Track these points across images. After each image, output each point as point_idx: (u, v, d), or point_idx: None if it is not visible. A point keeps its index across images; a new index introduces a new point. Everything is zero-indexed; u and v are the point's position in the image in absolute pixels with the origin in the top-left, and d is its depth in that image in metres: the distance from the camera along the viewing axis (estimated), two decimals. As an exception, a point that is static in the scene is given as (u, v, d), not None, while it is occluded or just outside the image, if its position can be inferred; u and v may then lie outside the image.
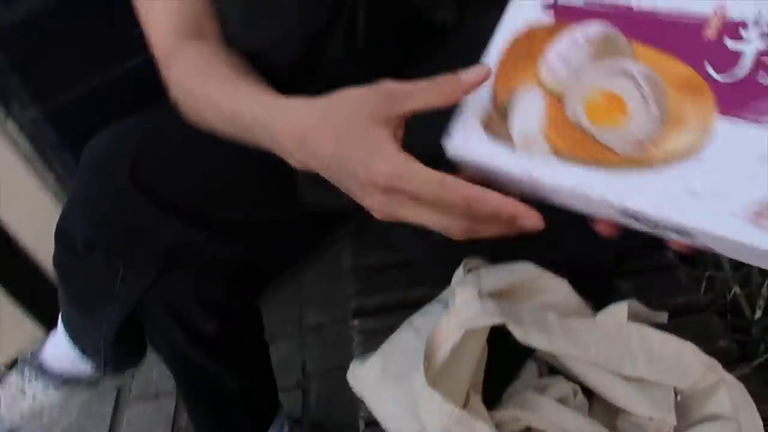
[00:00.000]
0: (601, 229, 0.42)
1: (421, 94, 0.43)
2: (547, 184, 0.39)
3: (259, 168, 0.67)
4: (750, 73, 0.35)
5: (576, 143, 0.38)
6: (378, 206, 0.42)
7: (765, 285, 0.83)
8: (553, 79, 0.41)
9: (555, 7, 0.43)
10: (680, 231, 0.35)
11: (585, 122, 0.39)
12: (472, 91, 0.42)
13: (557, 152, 0.39)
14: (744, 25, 0.36)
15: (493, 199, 0.38)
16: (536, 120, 0.40)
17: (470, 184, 0.39)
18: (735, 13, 0.36)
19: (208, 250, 0.67)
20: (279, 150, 0.49)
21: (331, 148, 0.43)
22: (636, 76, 0.38)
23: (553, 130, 0.40)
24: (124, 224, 0.62)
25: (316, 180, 0.65)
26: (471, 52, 0.48)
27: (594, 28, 0.40)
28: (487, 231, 0.41)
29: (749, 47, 0.35)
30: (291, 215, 0.71)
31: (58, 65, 0.93)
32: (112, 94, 0.97)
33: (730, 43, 0.36)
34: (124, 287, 0.65)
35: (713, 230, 0.33)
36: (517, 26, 0.44)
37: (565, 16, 0.42)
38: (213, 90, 0.57)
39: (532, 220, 0.38)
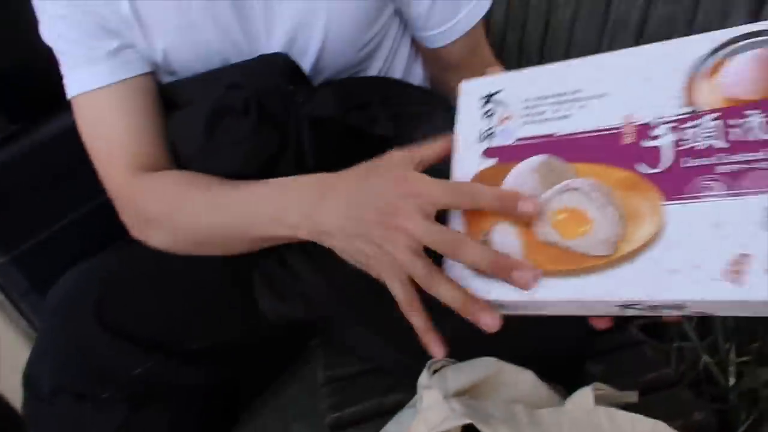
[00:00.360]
0: (596, 323, 0.46)
1: (425, 148, 0.50)
2: (548, 302, 0.42)
3: (221, 292, 0.69)
4: (675, 161, 0.40)
5: (559, 260, 0.43)
6: (401, 240, 0.44)
7: (732, 350, 0.85)
8: None
9: (493, 151, 0.49)
10: (673, 306, 0.39)
11: (559, 239, 0.43)
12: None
13: (546, 272, 0.42)
14: (649, 126, 0.42)
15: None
16: (516, 250, 0.44)
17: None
18: (639, 118, 0.43)
19: (178, 378, 0.67)
20: (289, 215, 0.52)
21: (351, 187, 0.49)
22: (586, 189, 0.43)
23: (534, 254, 0.44)
24: (90, 366, 0.62)
25: (275, 291, 0.68)
26: None
27: (535, 159, 0.46)
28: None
29: (664, 141, 0.41)
30: (257, 334, 0.72)
31: (23, 213, 0.96)
32: (77, 234, 1.00)
33: (647, 143, 0.42)
34: (94, 430, 0.64)
35: (702, 297, 0.37)
36: (466, 178, 0.49)
37: (505, 157, 0.48)
38: (208, 194, 0.61)
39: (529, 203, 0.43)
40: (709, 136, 0.40)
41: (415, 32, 0.79)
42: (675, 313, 0.41)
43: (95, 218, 0.98)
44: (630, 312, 0.42)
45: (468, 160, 0.49)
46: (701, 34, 0.43)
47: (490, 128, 0.49)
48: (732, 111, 0.39)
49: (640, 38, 0.99)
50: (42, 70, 0.95)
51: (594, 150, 0.44)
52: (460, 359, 0.62)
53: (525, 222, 0.44)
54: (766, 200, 0.36)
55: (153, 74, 0.71)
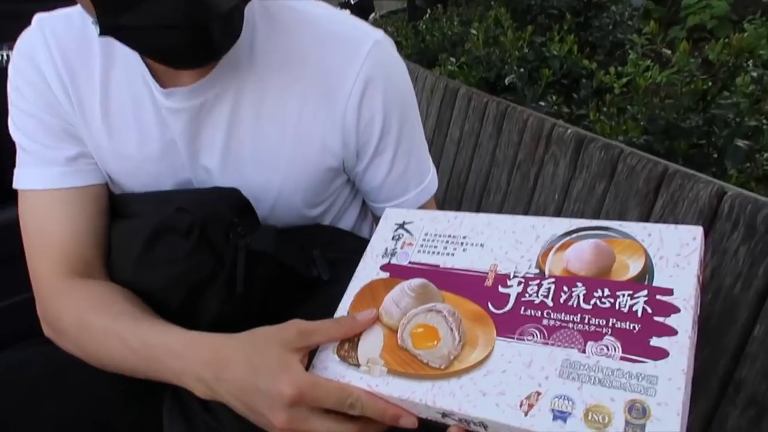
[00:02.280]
0: (403, 423, 0.51)
1: (326, 330, 0.55)
2: (385, 395, 0.51)
3: (123, 409, 0.67)
4: (514, 307, 0.50)
5: (406, 363, 0.52)
6: (285, 423, 0.50)
7: None
8: (389, 318, 0.56)
9: (389, 267, 0.60)
10: (479, 424, 0.46)
11: (411, 347, 0.53)
12: (364, 329, 0.56)
13: (391, 371, 0.52)
14: (508, 276, 0.53)
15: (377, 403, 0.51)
16: (378, 348, 0.54)
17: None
18: (502, 269, 0.54)
19: None
20: (188, 378, 0.55)
21: (244, 373, 0.52)
22: (444, 313, 0.53)
23: (389, 354, 0.53)
24: None
25: (186, 420, 0.65)
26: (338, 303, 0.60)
27: (416, 281, 0.57)
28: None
29: (513, 291, 0.52)
30: None
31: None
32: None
33: (501, 289, 0.53)
34: None
35: (497, 420, 0.45)
36: (363, 281, 0.60)
37: (396, 274, 0.59)
38: (117, 324, 0.61)
39: (411, 419, 0.51)
40: (543, 295, 0.50)
41: (367, 201, 0.83)
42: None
43: (13, 312, 0.96)
44: (448, 421, 0.49)
45: (369, 268, 0.60)
46: (563, 218, 0.55)
47: (394, 249, 0.61)
48: (565, 280, 0.50)
49: (555, 226, 1.12)
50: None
51: (462, 285, 0.54)
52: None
53: (391, 329, 0.54)
54: (566, 353, 0.46)
55: (104, 185, 0.74)
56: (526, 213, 1.22)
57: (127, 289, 0.67)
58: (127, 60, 0.68)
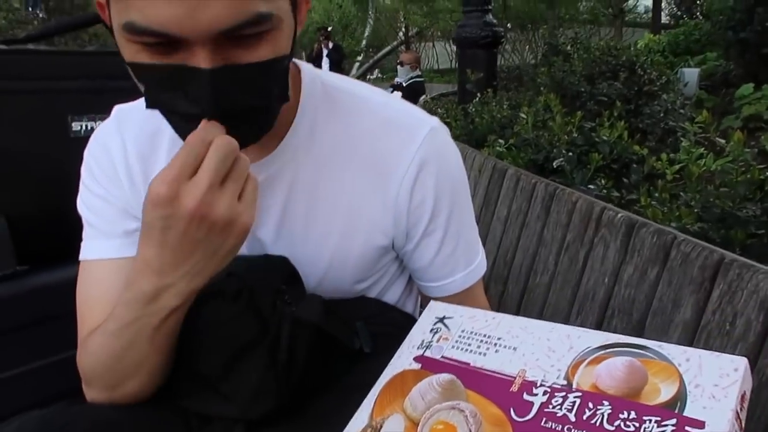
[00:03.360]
0: None
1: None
2: None
3: None
4: (536, 417, 0.49)
5: None
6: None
7: None
8: (413, 409, 0.56)
9: (422, 359, 0.60)
10: None
11: None
12: None
13: None
14: (535, 384, 0.52)
15: None
16: None
17: None
18: (530, 376, 0.53)
19: None
20: (152, 257, 0.59)
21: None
22: (467, 413, 0.52)
23: None
24: None
25: None
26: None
27: (444, 377, 0.57)
28: None
29: (537, 399, 0.51)
30: None
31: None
32: (37, 382, 0.99)
33: (526, 396, 0.52)
34: None
35: None
36: (396, 369, 0.60)
37: (428, 366, 0.59)
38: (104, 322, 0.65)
39: None
40: (567, 409, 0.49)
41: (414, 279, 0.84)
42: None
43: (59, 370, 0.98)
44: None
45: (404, 357, 0.61)
46: (601, 332, 0.54)
47: (430, 341, 0.61)
48: (591, 396, 0.49)
49: (606, 309, 1.09)
50: (60, 224, 1.06)
51: (488, 386, 0.54)
52: None
53: (414, 421, 0.53)
54: None
55: None
56: (574, 295, 1.20)
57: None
58: None
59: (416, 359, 0.60)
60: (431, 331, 0.62)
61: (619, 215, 1.11)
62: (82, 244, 0.76)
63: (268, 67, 0.59)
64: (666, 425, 0.44)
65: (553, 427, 0.48)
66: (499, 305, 1.51)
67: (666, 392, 0.46)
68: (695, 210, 1.29)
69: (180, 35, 0.53)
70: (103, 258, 0.73)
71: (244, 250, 0.75)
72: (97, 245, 0.74)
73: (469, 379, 0.55)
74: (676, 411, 0.45)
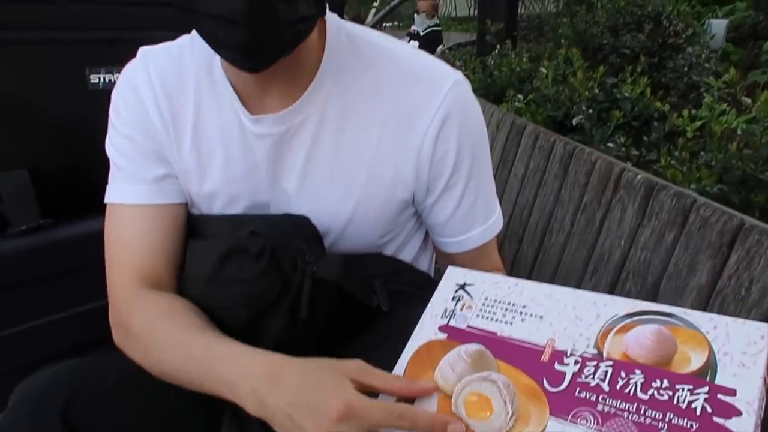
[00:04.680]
0: None
1: (385, 377, 0.56)
2: None
3: (191, 423, 0.70)
4: (569, 387, 0.50)
5: None
6: None
7: None
8: (444, 381, 0.56)
9: (447, 328, 0.60)
10: None
11: (464, 415, 0.53)
12: (420, 396, 0.56)
13: None
14: (565, 353, 0.52)
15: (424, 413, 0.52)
16: (432, 410, 0.54)
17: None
18: (559, 345, 0.53)
19: None
20: (242, 389, 0.57)
21: (298, 388, 0.54)
22: (499, 384, 0.53)
23: None
24: None
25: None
26: (399, 335, 0.62)
27: (472, 347, 0.57)
28: None
29: (569, 369, 0.51)
30: None
31: (19, 300, 0.99)
32: (65, 331, 1.02)
33: (557, 366, 0.52)
34: None
35: None
36: (421, 340, 0.60)
37: (454, 336, 0.59)
38: (183, 333, 0.65)
39: (458, 425, 0.51)
40: (600, 378, 0.49)
41: (431, 235, 0.86)
42: None
43: (87, 320, 1.02)
44: None
45: (427, 328, 0.61)
46: (626, 299, 0.54)
47: (453, 310, 0.61)
48: (623, 365, 0.49)
49: (620, 271, 1.10)
50: (81, 176, 1.07)
51: (518, 356, 0.54)
52: None
53: (446, 393, 0.54)
54: None
55: (184, 205, 0.79)
56: (590, 256, 1.20)
57: (195, 304, 0.71)
58: (219, 90, 0.74)
59: (441, 329, 0.60)
60: (453, 299, 0.62)
61: (639, 177, 1.10)
62: (109, 186, 0.77)
63: None
64: (698, 393, 0.45)
65: (588, 397, 0.48)
66: (513, 264, 1.52)
67: (696, 360, 0.47)
68: (715, 171, 1.27)
69: None
70: (131, 203, 0.75)
71: (268, 199, 0.77)
72: (125, 189, 0.75)
73: (498, 349, 0.55)
74: (707, 379, 0.46)
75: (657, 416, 0.45)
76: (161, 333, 0.66)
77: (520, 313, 0.57)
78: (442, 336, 0.59)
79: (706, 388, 0.45)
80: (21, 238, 1.04)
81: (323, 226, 0.75)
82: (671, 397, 0.46)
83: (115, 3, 1.20)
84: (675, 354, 0.48)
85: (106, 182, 0.77)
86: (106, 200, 0.77)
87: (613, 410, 0.47)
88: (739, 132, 1.46)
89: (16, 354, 0.98)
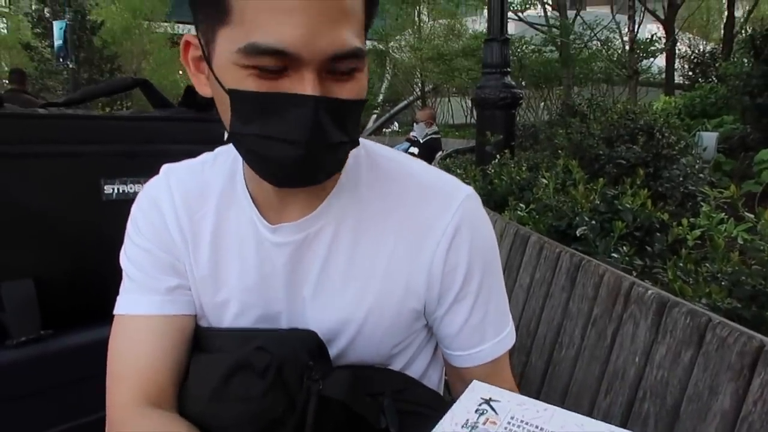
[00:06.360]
0: None
1: None
2: None
3: None
4: None
5: None
6: None
7: None
8: None
9: None
10: None
11: None
12: None
13: None
14: None
15: None
16: None
17: None
18: None
19: None
20: None
21: None
22: None
23: None
24: None
25: None
26: None
27: None
28: None
29: None
30: None
31: (18, 416, 0.95)
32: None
33: None
34: None
35: None
36: None
37: None
38: None
39: None
40: None
41: (442, 348, 0.84)
42: None
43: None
44: None
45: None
46: None
47: (476, 422, 0.59)
48: None
49: (637, 390, 1.06)
50: (88, 285, 1.06)
51: None
52: None
53: None
54: None
55: (193, 317, 0.78)
56: (603, 373, 1.17)
57: (194, 426, 0.68)
58: (239, 202, 0.76)
59: None
60: (477, 411, 0.60)
61: (649, 292, 1.09)
62: (119, 298, 0.76)
63: (359, 105, 0.64)
64: None
65: None
66: (522, 376, 1.47)
67: None
68: (725, 287, 1.27)
69: (300, 55, 0.57)
70: (142, 314, 0.74)
71: (281, 308, 0.76)
72: (137, 299, 0.75)
73: None
74: None
75: None
76: None
77: None
78: None
79: None
80: (20, 349, 1.01)
81: (334, 333, 0.74)
82: None
83: (135, 119, 1.25)
84: None
85: (110, 292, 0.77)
86: (116, 311, 0.76)
87: None
88: (740, 241, 1.47)
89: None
